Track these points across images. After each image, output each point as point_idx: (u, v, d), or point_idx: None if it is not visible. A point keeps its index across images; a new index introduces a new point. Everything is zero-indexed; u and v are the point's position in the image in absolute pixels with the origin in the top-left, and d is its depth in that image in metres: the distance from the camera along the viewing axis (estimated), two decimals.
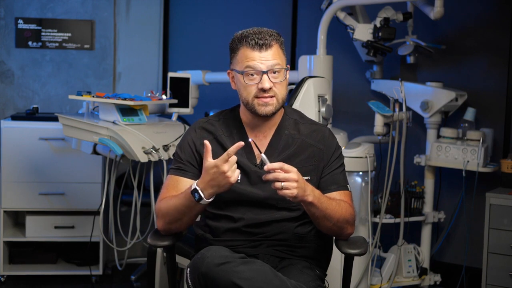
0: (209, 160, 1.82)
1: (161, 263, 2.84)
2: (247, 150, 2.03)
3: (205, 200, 1.86)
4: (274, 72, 1.95)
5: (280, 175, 1.79)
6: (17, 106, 4.02)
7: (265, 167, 1.79)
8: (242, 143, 1.81)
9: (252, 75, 1.95)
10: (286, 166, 1.80)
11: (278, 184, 1.79)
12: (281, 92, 1.98)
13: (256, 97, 1.96)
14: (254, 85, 1.95)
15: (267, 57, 1.94)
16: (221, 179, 1.81)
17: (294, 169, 1.81)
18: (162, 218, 1.98)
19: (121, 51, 4.15)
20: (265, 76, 1.93)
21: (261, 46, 1.94)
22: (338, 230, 1.99)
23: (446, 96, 3.34)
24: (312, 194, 1.86)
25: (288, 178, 1.79)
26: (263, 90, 1.94)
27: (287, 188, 1.79)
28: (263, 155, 1.82)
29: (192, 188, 1.87)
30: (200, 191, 1.85)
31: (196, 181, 1.87)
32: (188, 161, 2.04)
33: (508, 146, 3.44)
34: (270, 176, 1.79)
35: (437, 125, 3.43)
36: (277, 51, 1.97)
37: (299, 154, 2.03)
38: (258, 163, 2.02)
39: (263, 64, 1.94)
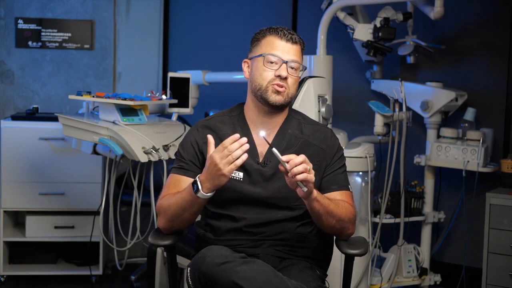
0: (209, 153, 1.84)
1: (161, 263, 2.83)
2: (250, 148, 2.02)
3: (202, 193, 1.85)
4: (292, 68, 2.01)
5: (308, 165, 1.79)
6: (17, 106, 4.02)
7: (284, 158, 1.78)
8: (237, 135, 1.80)
9: (272, 62, 1.99)
10: (304, 156, 1.80)
11: (306, 168, 1.78)
12: (292, 87, 2.02)
13: (271, 83, 1.99)
14: (272, 71, 1.99)
15: (291, 51, 2.01)
16: (214, 171, 1.82)
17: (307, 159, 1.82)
18: (163, 215, 1.99)
19: (121, 51, 4.15)
20: (284, 65, 1.99)
21: (289, 38, 2.01)
22: (340, 228, 2.00)
23: (446, 96, 3.34)
24: (314, 189, 1.87)
25: (308, 162, 1.81)
26: (280, 78, 1.98)
27: (311, 178, 1.80)
28: (274, 149, 1.81)
29: (193, 180, 1.88)
30: (199, 183, 1.86)
31: (199, 175, 1.89)
32: (190, 160, 2.04)
33: (508, 146, 3.44)
34: (300, 168, 1.76)
35: (437, 125, 3.43)
36: (299, 51, 2.05)
37: (301, 153, 2.03)
38: (260, 161, 2.02)
39: (284, 55, 2.00)
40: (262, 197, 1.99)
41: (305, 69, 2.08)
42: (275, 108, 2.02)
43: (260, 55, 2.01)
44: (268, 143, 1.88)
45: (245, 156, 1.81)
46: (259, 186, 2.00)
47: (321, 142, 2.08)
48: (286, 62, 1.99)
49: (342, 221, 1.97)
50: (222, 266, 1.77)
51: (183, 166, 2.04)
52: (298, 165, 1.77)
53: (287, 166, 1.78)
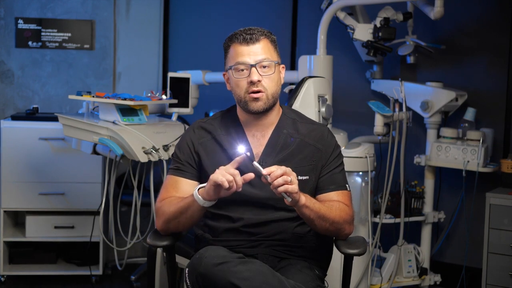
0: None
1: (161, 263, 2.84)
2: (246, 150, 2.02)
3: (197, 194, 1.87)
4: (264, 67, 1.97)
5: (291, 176, 1.79)
6: (17, 106, 4.02)
7: (265, 171, 1.79)
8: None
9: (242, 70, 1.96)
10: (285, 168, 1.81)
11: (287, 180, 1.78)
12: (270, 87, 1.98)
13: (247, 92, 1.96)
14: (244, 79, 1.97)
15: (255, 51, 1.96)
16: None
17: (289, 169, 1.83)
18: (161, 216, 1.99)
19: (121, 51, 4.15)
20: (253, 69, 1.95)
21: (249, 40, 1.96)
22: (335, 230, 1.99)
23: (446, 96, 3.34)
24: (303, 195, 1.87)
25: (290, 173, 1.81)
26: (252, 83, 1.95)
27: (292, 190, 1.80)
28: (255, 163, 1.82)
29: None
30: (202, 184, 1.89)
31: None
32: (186, 162, 2.04)
33: (508, 146, 3.44)
34: (280, 180, 1.78)
35: (437, 125, 3.43)
36: (267, 46, 1.99)
37: (297, 153, 2.03)
38: (257, 162, 2.02)
39: (250, 58, 1.96)
40: (259, 198, 2.00)
41: (279, 63, 2.01)
42: (259, 114, 2.01)
43: (229, 68, 1.99)
44: (250, 158, 1.85)
45: (233, 190, 1.82)
46: (257, 187, 1.99)
47: (317, 142, 2.07)
48: (254, 66, 1.95)
49: (336, 223, 1.97)
50: (220, 267, 1.77)
51: (180, 167, 2.04)
52: (278, 177, 1.78)
53: (268, 178, 1.79)
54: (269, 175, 1.79)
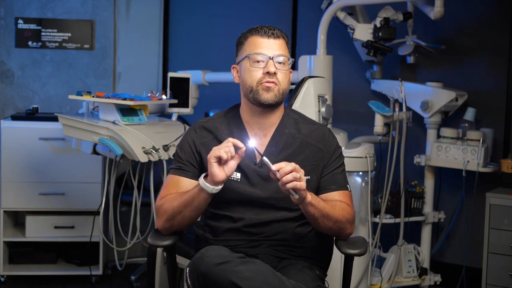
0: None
1: (161, 263, 2.84)
2: (246, 149, 2.02)
3: (204, 182, 1.88)
4: (280, 63, 1.99)
5: (299, 173, 1.80)
6: (17, 106, 4.02)
7: (274, 167, 1.80)
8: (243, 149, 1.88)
9: (258, 61, 1.98)
10: (294, 165, 1.81)
11: (296, 177, 1.80)
12: (284, 82, 2.00)
13: (260, 83, 1.98)
14: (260, 69, 1.98)
15: (274, 46, 2.00)
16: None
17: (298, 166, 1.84)
18: (163, 214, 1.98)
19: (121, 51, 4.15)
20: (270, 61, 1.97)
21: (270, 35, 2.00)
22: (338, 230, 2.00)
23: (446, 96, 3.34)
24: (308, 193, 1.87)
25: (299, 170, 1.81)
26: (268, 74, 1.96)
27: (301, 186, 1.81)
28: (265, 158, 1.82)
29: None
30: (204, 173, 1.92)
31: None
32: (188, 161, 2.04)
33: (508, 146, 3.44)
34: (290, 177, 1.78)
35: (437, 125, 3.43)
36: (284, 45, 2.03)
37: (299, 153, 2.03)
38: (258, 162, 2.02)
39: (269, 51, 1.98)
40: (261, 198, 2.00)
41: (293, 62, 2.06)
42: (268, 107, 2.01)
43: (246, 57, 2.00)
44: (259, 154, 1.87)
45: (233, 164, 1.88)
46: (258, 187, 2.00)
47: (319, 142, 2.07)
48: (272, 58, 1.97)
49: (339, 222, 1.97)
50: (221, 266, 1.77)
51: (181, 167, 2.04)
52: (288, 173, 1.78)
53: (278, 175, 1.79)
54: (278, 171, 1.79)
